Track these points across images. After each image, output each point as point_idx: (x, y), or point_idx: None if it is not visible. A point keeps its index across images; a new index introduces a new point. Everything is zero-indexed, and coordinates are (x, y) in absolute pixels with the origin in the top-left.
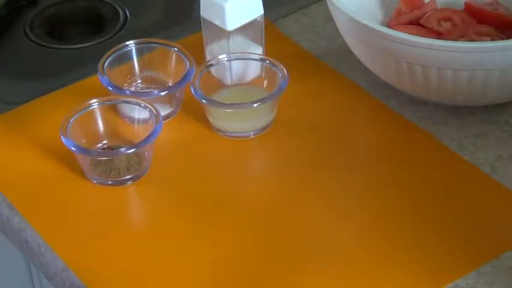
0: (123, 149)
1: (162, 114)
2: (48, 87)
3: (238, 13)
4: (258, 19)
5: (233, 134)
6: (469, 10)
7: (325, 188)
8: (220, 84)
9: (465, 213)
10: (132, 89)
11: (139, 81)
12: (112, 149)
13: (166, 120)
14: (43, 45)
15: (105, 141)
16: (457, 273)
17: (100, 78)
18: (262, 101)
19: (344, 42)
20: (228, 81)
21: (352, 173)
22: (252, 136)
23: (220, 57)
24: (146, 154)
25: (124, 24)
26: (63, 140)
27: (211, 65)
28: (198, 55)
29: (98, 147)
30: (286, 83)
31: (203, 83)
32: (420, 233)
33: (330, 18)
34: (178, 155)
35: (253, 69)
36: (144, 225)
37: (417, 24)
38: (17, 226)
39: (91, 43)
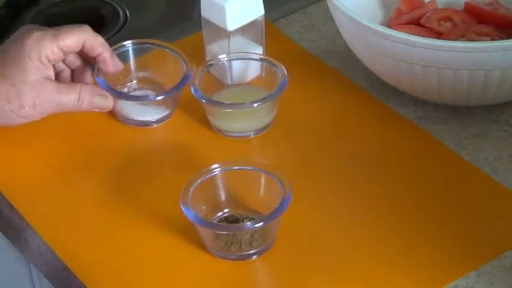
0: (248, 224)
1: (156, 117)
2: None
3: (239, 13)
4: (259, 19)
5: (233, 134)
6: (469, 10)
7: (325, 187)
8: (220, 84)
9: (465, 213)
10: (125, 89)
11: (134, 81)
12: (234, 218)
13: (166, 121)
14: None
15: (226, 210)
16: (457, 273)
17: (96, 79)
18: (262, 100)
19: (344, 42)
20: (228, 81)
21: (351, 173)
22: (252, 136)
23: (220, 57)
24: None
25: (124, 24)
26: (184, 211)
27: (211, 65)
28: (198, 55)
29: (218, 216)
30: (286, 83)
31: (203, 83)
32: (420, 233)
33: (330, 18)
34: (178, 154)
35: (254, 69)
36: (143, 225)
37: (417, 24)
38: (17, 226)
39: None
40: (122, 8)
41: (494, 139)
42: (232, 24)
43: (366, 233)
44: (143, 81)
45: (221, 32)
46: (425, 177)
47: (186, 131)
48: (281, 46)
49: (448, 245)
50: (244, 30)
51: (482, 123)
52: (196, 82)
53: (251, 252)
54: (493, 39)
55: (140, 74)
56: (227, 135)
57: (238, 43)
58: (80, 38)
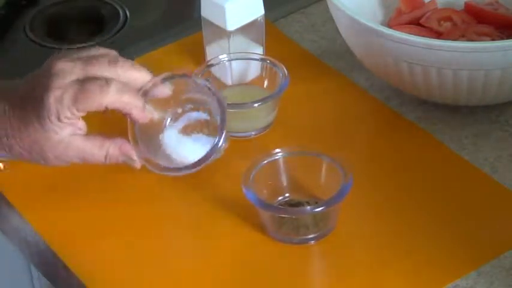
0: (308, 208)
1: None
2: None
3: (239, 13)
4: (259, 19)
5: (234, 134)
6: (469, 10)
7: None
8: (220, 84)
9: (465, 213)
10: (180, 111)
11: (185, 105)
12: (295, 202)
13: None
14: (43, 45)
15: (287, 194)
16: (457, 273)
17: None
18: (262, 101)
19: (344, 42)
20: (229, 81)
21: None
22: (252, 136)
23: (220, 57)
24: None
25: (124, 24)
26: (245, 193)
27: (211, 65)
28: (198, 55)
29: (279, 201)
30: (287, 82)
31: None
32: (420, 233)
33: (330, 18)
34: None
35: (254, 69)
36: (143, 224)
37: (417, 24)
38: (16, 225)
39: (91, 43)
40: (122, 8)
41: (494, 139)
42: (232, 24)
43: (365, 233)
44: (190, 102)
45: (221, 32)
46: (425, 177)
47: None
48: (281, 46)
49: (448, 245)
50: (244, 30)
51: (482, 123)
52: None
53: (310, 236)
54: (493, 39)
55: (183, 97)
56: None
57: (238, 43)
58: (100, 104)
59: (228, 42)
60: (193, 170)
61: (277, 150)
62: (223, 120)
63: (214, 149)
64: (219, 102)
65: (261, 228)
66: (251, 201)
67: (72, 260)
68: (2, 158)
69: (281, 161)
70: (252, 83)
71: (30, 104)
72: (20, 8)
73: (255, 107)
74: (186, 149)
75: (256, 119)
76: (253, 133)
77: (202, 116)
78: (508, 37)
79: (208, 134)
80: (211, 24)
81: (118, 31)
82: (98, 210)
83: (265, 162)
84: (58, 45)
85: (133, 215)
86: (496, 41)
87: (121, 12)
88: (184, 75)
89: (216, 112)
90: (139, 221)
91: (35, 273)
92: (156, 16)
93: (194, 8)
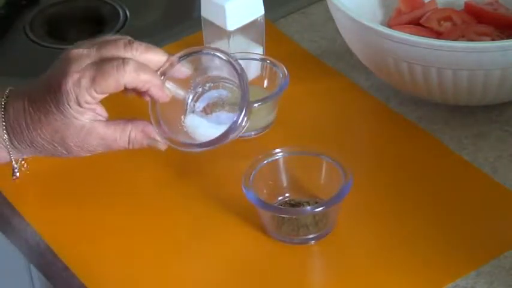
0: (309, 208)
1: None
2: None
3: (239, 13)
4: (259, 19)
5: None
6: (469, 10)
7: None
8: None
9: (465, 213)
10: (200, 90)
11: (206, 84)
12: (295, 202)
13: None
14: (43, 45)
15: (287, 194)
16: (457, 273)
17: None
18: (262, 100)
19: (344, 42)
20: None
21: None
22: (252, 136)
23: None
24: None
25: (124, 24)
26: (245, 192)
27: None
28: None
29: (279, 201)
30: (286, 82)
31: None
32: (420, 233)
33: (330, 18)
34: (178, 154)
35: (254, 69)
36: (143, 225)
37: (417, 24)
38: (17, 226)
39: None
40: (121, 8)
41: (494, 139)
42: (232, 24)
43: (365, 233)
44: (210, 80)
45: (221, 32)
46: (425, 177)
47: None
48: (281, 46)
49: (447, 245)
50: (244, 30)
51: (482, 123)
52: None
53: (310, 236)
54: (493, 39)
55: (202, 76)
56: None
57: (238, 43)
58: (118, 83)
59: (228, 42)
60: (212, 147)
61: (277, 150)
62: (243, 98)
63: (233, 126)
64: (240, 77)
65: (261, 228)
66: (251, 201)
67: (72, 260)
68: (25, 156)
69: (281, 161)
70: (252, 83)
71: (49, 93)
72: (20, 8)
73: (255, 107)
74: (210, 129)
75: (256, 119)
76: (253, 133)
77: (222, 93)
78: (508, 37)
79: (230, 111)
80: (211, 24)
81: (118, 31)
82: (98, 210)
83: (265, 162)
84: (58, 45)
85: (133, 215)
86: (496, 41)
87: (121, 12)
88: (201, 51)
89: (237, 87)
90: (139, 221)
91: (35, 273)
92: (156, 16)
93: (194, 8)
